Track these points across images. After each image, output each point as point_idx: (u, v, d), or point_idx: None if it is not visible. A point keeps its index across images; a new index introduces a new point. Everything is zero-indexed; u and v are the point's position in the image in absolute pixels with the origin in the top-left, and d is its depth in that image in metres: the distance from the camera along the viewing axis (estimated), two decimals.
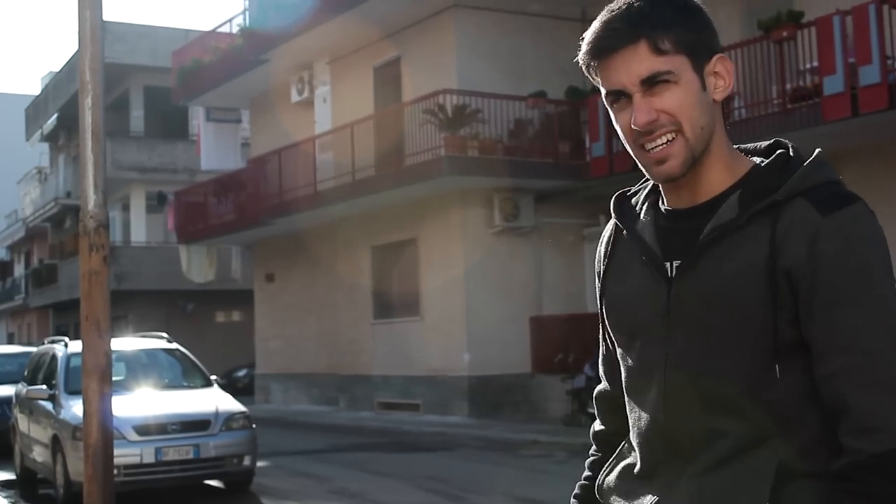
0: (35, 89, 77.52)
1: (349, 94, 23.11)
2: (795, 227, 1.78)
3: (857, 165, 15.54)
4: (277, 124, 25.96)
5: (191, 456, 11.31)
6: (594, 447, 2.19)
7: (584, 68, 1.92)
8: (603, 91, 1.90)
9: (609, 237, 2.05)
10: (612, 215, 2.04)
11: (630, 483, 1.97)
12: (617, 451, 2.06)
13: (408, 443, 17.01)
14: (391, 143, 20.45)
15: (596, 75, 1.90)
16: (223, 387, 13.23)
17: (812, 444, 1.79)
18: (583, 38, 1.91)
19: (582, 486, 2.16)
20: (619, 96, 1.86)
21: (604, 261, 2.05)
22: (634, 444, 1.97)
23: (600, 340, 2.12)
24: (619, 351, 2.01)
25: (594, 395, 2.19)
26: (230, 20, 27.45)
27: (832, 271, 1.75)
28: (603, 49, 1.86)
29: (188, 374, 13.05)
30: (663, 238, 1.92)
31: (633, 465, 1.98)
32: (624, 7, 1.85)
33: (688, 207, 1.91)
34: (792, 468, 1.78)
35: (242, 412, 11.90)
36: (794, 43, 14.83)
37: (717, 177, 1.89)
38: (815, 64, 14.36)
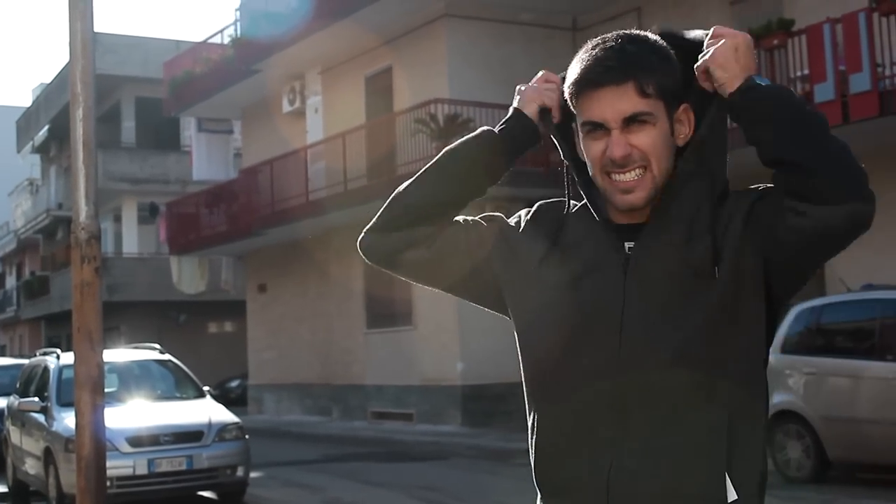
0: (26, 101, 77.41)
1: (341, 103, 23.12)
2: (732, 210, 2.01)
3: None
4: (269, 134, 25.96)
5: (184, 467, 11.28)
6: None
7: (566, 93, 2.07)
8: (580, 119, 2.05)
9: (554, 211, 2.18)
10: (569, 199, 2.17)
11: (578, 457, 1.99)
12: (539, 443, 2.06)
13: (401, 452, 16.98)
14: (383, 152, 20.46)
15: (575, 102, 2.04)
16: (216, 398, 13.20)
17: (752, 399, 1.99)
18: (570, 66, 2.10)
19: None
20: (597, 128, 2.01)
21: (553, 232, 2.14)
22: (572, 416, 2.00)
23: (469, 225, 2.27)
24: (549, 297, 2.07)
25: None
26: (221, 31, 27.46)
27: (767, 203, 1.98)
28: (592, 82, 2.00)
29: (181, 385, 13.03)
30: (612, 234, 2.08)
31: (576, 436, 2.00)
32: (618, 47, 2.01)
33: (635, 223, 2.06)
34: (738, 419, 1.95)
35: (235, 423, 11.88)
36: (784, 51, 14.87)
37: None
38: (806, 72, 14.41)
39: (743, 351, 1.97)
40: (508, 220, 2.24)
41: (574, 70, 2.05)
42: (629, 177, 1.99)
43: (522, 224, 2.20)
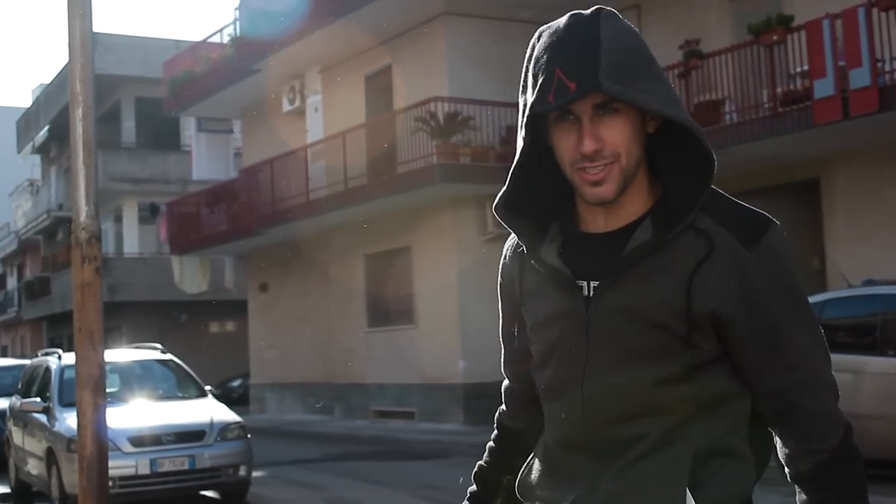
0: (26, 102, 77.43)
1: (341, 102, 23.11)
2: (720, 262, 1.87)
3: (848, 168, 15.59)
4: (269, 134, 25.96)
5: (186, 467, 11.28)
6: (497, 435, 2.28)
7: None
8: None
9: (513, 259, 2.11)
10: (516, 237, 2.08)
11: (552, 482, 2.03)
12: (535, 452, 2.11)
13: (403, 451, 16.99)
14: (383, 151, 20.46)
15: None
16: (218, 397, 13.21)
17: (725, 430, 1.92)
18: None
19: (480, 467, 2.29)
20: (567, 116, 1.89)
21: (515, 283, 2.10)
22: (554, 448, 2.03)
23: (503, 343, 2.19)
24: (536, 362, 2.06)
25: (503, 389, 2.27)
26: (221, 30, 27.44)
27: (769, 300, 1.88)
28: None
29: (182, 385, 13.03)
30: (575, 259, 1.97)
31: (554, 464, 2.03)
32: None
33: (603, 232, 1.97)
34: (707, 451, 1.90)
35: (237, 422, 11.88)
36: (784, 47, 14.86)
37: (636, 201, 1.95)
38: (806, 67, 14.40)
39: (708, 388, 1.90)
40: (502, 274, 2.16)
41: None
42: (598, 167, 1.88)
43: (503, 274, 2.16)
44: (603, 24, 1.88)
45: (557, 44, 1.89)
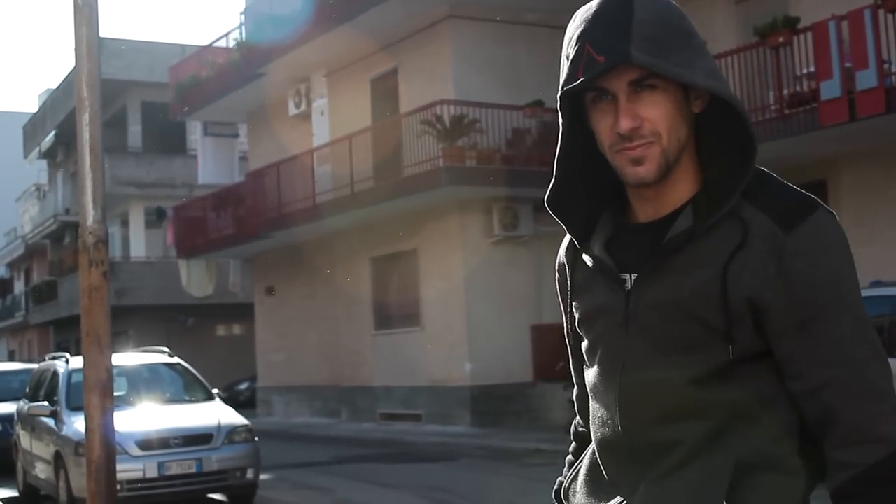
0: (33, 107, 77.64)
1: (346, 106, 23.13)
2: (755, 248, 1.75)
3: (855, 170, 15.56)
4: (275, 138, 25.98)
5: (193, 470, 11.29)
6: (575, 447, 2.18)
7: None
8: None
9: (567, 253, 2.05)
10: (567, 232, 2.00)
11: (594, 489, 1.98)
12: (581, 457, 2.06)
13: (410, 453, 16.98)
14: (389, 154, 20.47)
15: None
16: (225, 400, 13.21)
17: (770, 440, 1.78)
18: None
19: (560, 483, 2.14)
20: (603, 95, 1.81)
21: (567, 278, 2.04)
22: (597, 450, 1.96)
23: (568, 344, 2.13)
24: (586, 360, 2.01)
25: (574, 397, 2.17)
26: (226, 35, 27.47)
27: (805, 288, 1.74)
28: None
29: (190, 389, 13.04)
30: (622, 250, 1.89)
31: (597, 471, 1.98)
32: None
33: (650, 221, 1.88)
34: (750, 463, 1.77)
35: (245, 425, 11.89)
36: (790, 48, 14.85)
37: (683, 187, 1.85)
38: (812, 69, 14.38)
39: (749, 390, 1.79)
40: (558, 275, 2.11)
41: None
42: (637, 144, 1.79)
43: (559, 271, 2.10)
44: None
45: (590, 20, 1.80)
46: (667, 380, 1.81)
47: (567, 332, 2.09)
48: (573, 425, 2.19)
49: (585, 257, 1.95)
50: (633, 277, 1.86)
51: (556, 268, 2.09)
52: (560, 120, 1.91)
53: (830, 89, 13.81)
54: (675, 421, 1.81)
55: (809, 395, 1.76)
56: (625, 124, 1.78)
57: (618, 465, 1.90)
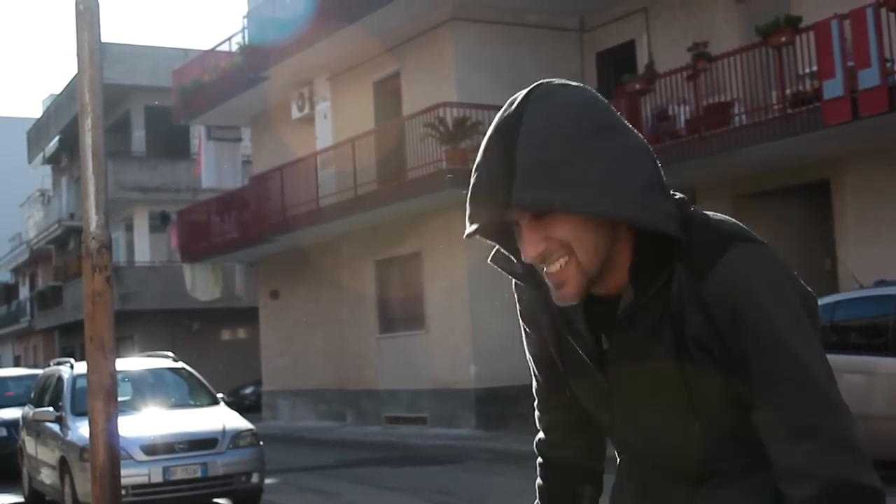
0: (36, 112, 77.70)
1: (349, 109, 23.15)
2: (683, 297, 1.74)
3: (858, 169, 15.55)
4: (278, 141, 26.00)
5: (199, 475, 11.30)
6: (548, 472, 2.12)
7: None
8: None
9: (526, 294, 1.99)
10: (525, 285, 1.92)
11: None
12: (620, 473, 2.07)
13: (415, 456, 16.99)
14: (392, 157, 20.48)
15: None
16: (230, 404, 13.23)
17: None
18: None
19: None
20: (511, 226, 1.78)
21: (524, 306, 2.00)
22: (636, 469, 2.00)
23: (533, 374, 2.08)
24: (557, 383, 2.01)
25: (540, 419, 2.12)
26: (229, 38, 27.52)
27: (734, 331, 1.71)
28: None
29: (194, 393, 13.05)
30: (588, 314, 1.86)
31: (642, 487, 2.00)
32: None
33: (603, 295, 1.83)
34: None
35: (249, 429, 11.89)
36: (792, 48, 14.84)
37: (621, 272, 1.79)
38: (815, 68, 14.37)
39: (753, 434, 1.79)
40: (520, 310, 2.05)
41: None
42: (554, 267, 1.73)
43: (522, 301, 2.04)
44: (529, 111, 1.69)
45: (481, 154, 1.75)
46: (675, 442, 1.86)
47: (530, 350, 2.06)
48: (539, 446, 2.14)
49: (552, 310, 1.89)
50: (605, 339, 1.84)
51: (517, 295, 2.01)
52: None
53: (833, 88, 13.80)
54: (704, 465, 1.88)
55: (758, 431, 1.75)
56: (530, 253, 1.73)
57: (664, 482, 1.94)
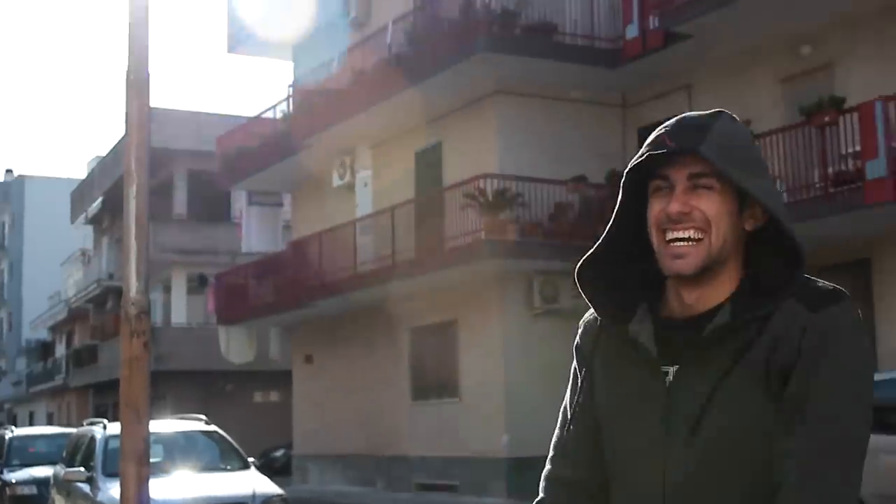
0: (82, 173, 78.94)
1: (390, 177, 23.27)
2: (787, 325, 1.82)
3: None
4: (318, 207, 26.16)
5: None
6: None
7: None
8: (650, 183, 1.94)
9: (587, 335, 2.06)
10: (594, 309, 2.02)
11: None
12: None
13: None
14: (431, 225, 20.53)
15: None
16: (260, 468, 13.16)
17: None
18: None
19: None
20: (664, 185, 1.90)
21: (587, 360, 2.05)
22: None
23: (560, 426, 2.12)
24: (607, 446, 2.00)
25: (546, 476, 2.12)
26: (273, 106, 27.85)
27: (814, 361, 1.79)
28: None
29: (225, 456, 13.00)
30: (659, 342, 1.92)
31: None
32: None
33: (685, 318, 1.92)
34: None
35: (279, 494, 11.82)
36: (835, 128, 14.81)
37: (725, 288, 1.91)
38: (857, 148, 14.33)
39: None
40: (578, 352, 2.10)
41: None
42: (683, 235, 1.86)
43: (579, 351, 2.10)
44: (719, 118, 1.91)
45: (673, 122, 1.93)
46: (714, 479, 1.84)
47: (571, 405, 2.08)
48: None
49: (614, 343, 1.98)
50: (672, 371, 1.89)
51: (575, 347, 2.09)
52: (619, 198, 1.96)
53: (876, 168, 13.75)
54: None
55: (777, 455, 1.79)
56: (675, 207, 1.87)
57: None
